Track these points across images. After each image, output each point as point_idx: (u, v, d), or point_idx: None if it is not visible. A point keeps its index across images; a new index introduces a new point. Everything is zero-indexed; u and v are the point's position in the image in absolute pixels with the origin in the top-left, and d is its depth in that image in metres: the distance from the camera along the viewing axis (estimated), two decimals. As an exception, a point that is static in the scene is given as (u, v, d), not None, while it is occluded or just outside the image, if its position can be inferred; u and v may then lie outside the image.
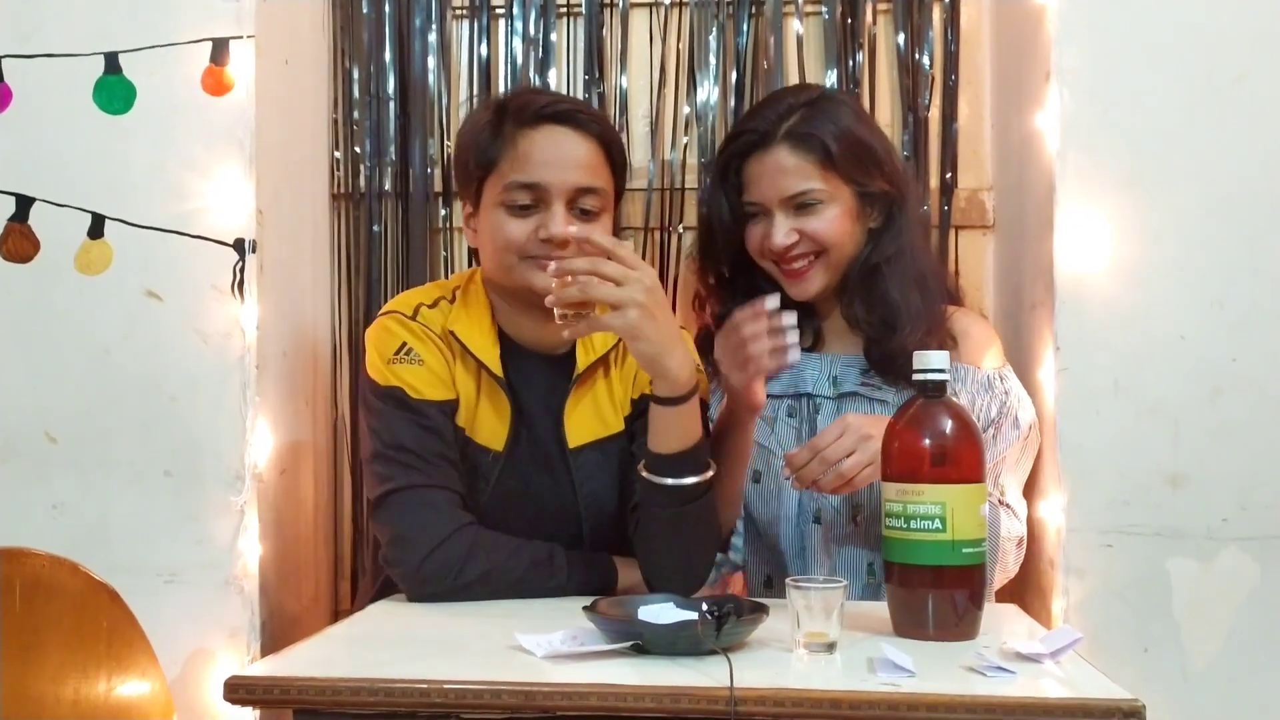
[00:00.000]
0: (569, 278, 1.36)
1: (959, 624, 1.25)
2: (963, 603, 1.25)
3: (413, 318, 1.56)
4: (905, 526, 1.25)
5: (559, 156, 1.52)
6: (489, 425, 1.55)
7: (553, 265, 1.39)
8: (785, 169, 1.62)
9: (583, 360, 1.57)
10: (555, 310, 1.38)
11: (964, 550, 1.24)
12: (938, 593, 1.25)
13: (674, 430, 1.44)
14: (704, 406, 1.55)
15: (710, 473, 1.47)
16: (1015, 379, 1.67)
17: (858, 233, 1.66)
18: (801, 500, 1.65)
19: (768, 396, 1.70)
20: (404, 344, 1.53)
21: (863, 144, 1.64)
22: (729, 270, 1.75)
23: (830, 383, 1.69)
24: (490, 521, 1.52)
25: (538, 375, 1.58)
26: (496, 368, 1.54)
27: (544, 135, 1.52)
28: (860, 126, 1.66)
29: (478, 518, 1.51)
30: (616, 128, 2.08)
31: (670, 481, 1.45)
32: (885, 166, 1.66)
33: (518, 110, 1.54)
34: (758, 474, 1.69)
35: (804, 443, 1.67)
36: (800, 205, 1.62)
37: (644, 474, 1.46)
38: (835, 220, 1.63)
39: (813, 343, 1.72)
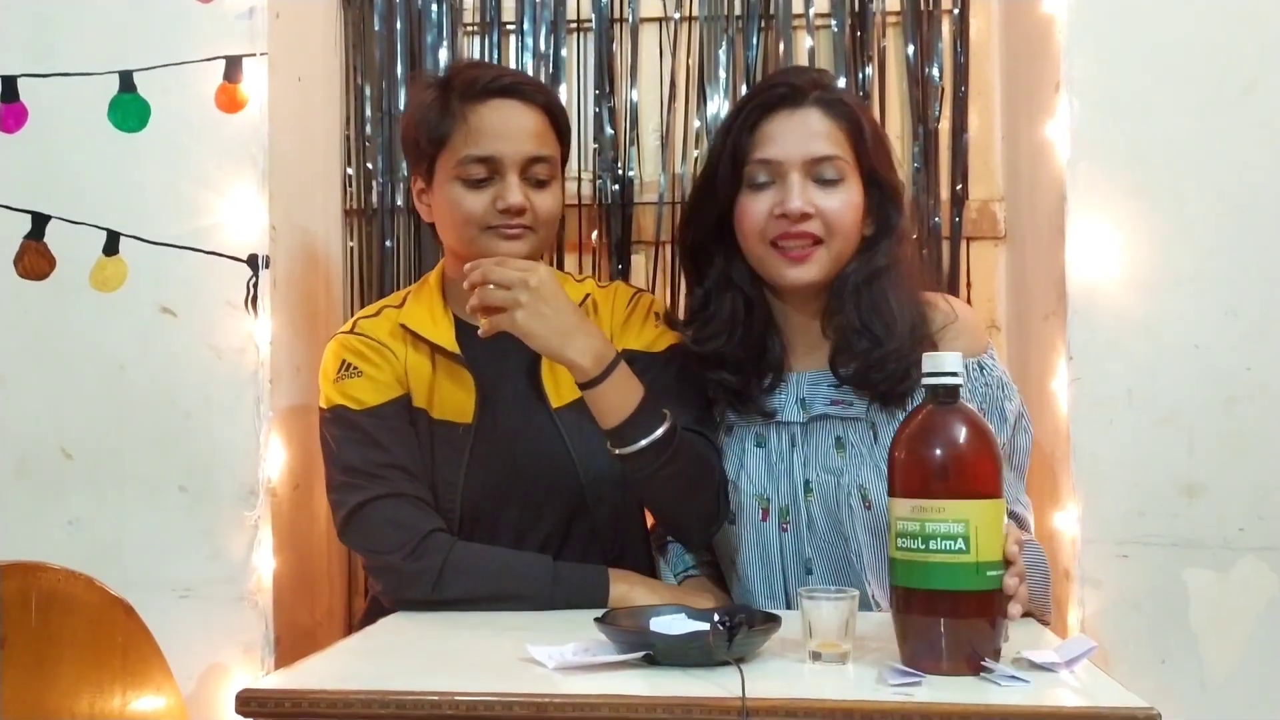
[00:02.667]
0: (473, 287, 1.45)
1: (979, 655, 1.12)
2: (985, 631, 1.13)
3: (351, 331, 1.63)
4: (922, 547, 1.12)
5: (509, 128, 1.57)
6: (454, 401, 1.59)
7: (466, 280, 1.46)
8: (814, 130, 1.54)
9: None
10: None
11: (988, 573, 1.12)
12: (959, 621, 1.12)
13: (605, 408, 1.47)
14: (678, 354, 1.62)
15: (662, 428, 1.46)
16: (997, 364, 1.55)
17: (857, 234, 1.56)
18: (786, 548, 1.58)
19: (732, 427, 1.63)
20: (344, 362, 1.60)
21: (881, 134, 1.60)
22: (703, 243, 1.63)
23: (799, 406, 1.60)
24: (474, 496, 1.57)
25: (501, 347, 1.56)
26: (449, 345, 1.59)
27: (493, 109, 1.57)
28: (875, 120, 1.63)
29: (460, 495, 1.56)
30: (627, 142, 2.10)
31: (642, 443, 1.46)
32: (893, 164, 1.60)
33: (465, 86, 1.58)
34: (733, 516, 1.60)
35: (775, 476, 1.59)
36: (820, 177, 1.53)
37: (613, 450, 1.49)
38: (851, 205, 1.54)
39: (778, 367, 1.61)
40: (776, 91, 1.56)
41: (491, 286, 1.43)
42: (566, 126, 1.66)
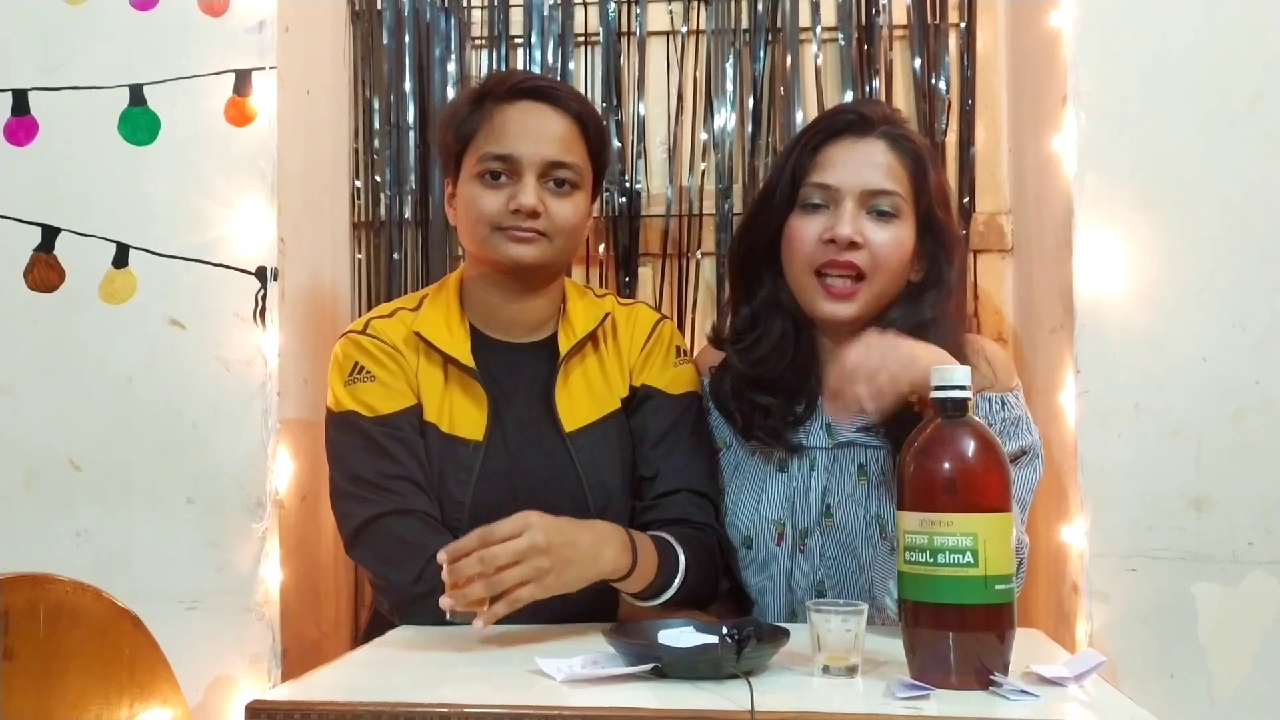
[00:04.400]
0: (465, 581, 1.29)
1: (987, 668, 1.12)
2: (993, 645, 1.12)
3: (363, 332, 1.60)
4: (931, 561, 1.12)
5: (532, 129, 1.55)
6: (466, 416, 1.56)
7: (445, 574, 1.29)
8: (876, 162, 1.52)
9: (565, 344, 1.59)
10: (453, 614, 1.31)
11: (996, 587, 1.12)
12: (967, 634, 1.12)
13: (635, 583, 1.45)
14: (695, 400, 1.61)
15: (682, 571, 1.48)
16: (1020, 403, 1.54)
17: (903, 276, 1.54)
18: (799, 570, 1.59)
19: (753, 453, 1.63)
20: (355, 364, 1.57)
21: (944, 181, 1.58)
22: (754, 261, 1.61)
23: (824, 431, 1.60)
24: (481, 515, 1.49)
25: (516, 361, 1.60)
26: (464, 358, 1.57)
27: (519, 109, 1.56)
28: (939, 167, 1.60)
29: (468, 512, 1.53)
30: (634, 154, 2.10)
31: (660, 600, 1.48)
32: (951, 212, 1.57)
33: (495, 86, 1.58)
34: (749, 540, 1.61)
35: (793, 501, 1.59)
36: (875, 210, 1.51)
37: (632, 600, 1.49)
38: (901, 243, 1.51)
39: (812, 399, 1.60)
40: (844, 118, 1.56)
41: (495, 574, 1.29)
42: (600, 140, 1.62)
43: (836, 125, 1.56)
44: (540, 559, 1.31)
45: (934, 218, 1.53)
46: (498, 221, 1.54)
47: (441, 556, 1.30)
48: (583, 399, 1.60)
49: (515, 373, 1.60)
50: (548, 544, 1.32)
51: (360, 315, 2.10)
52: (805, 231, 1.53)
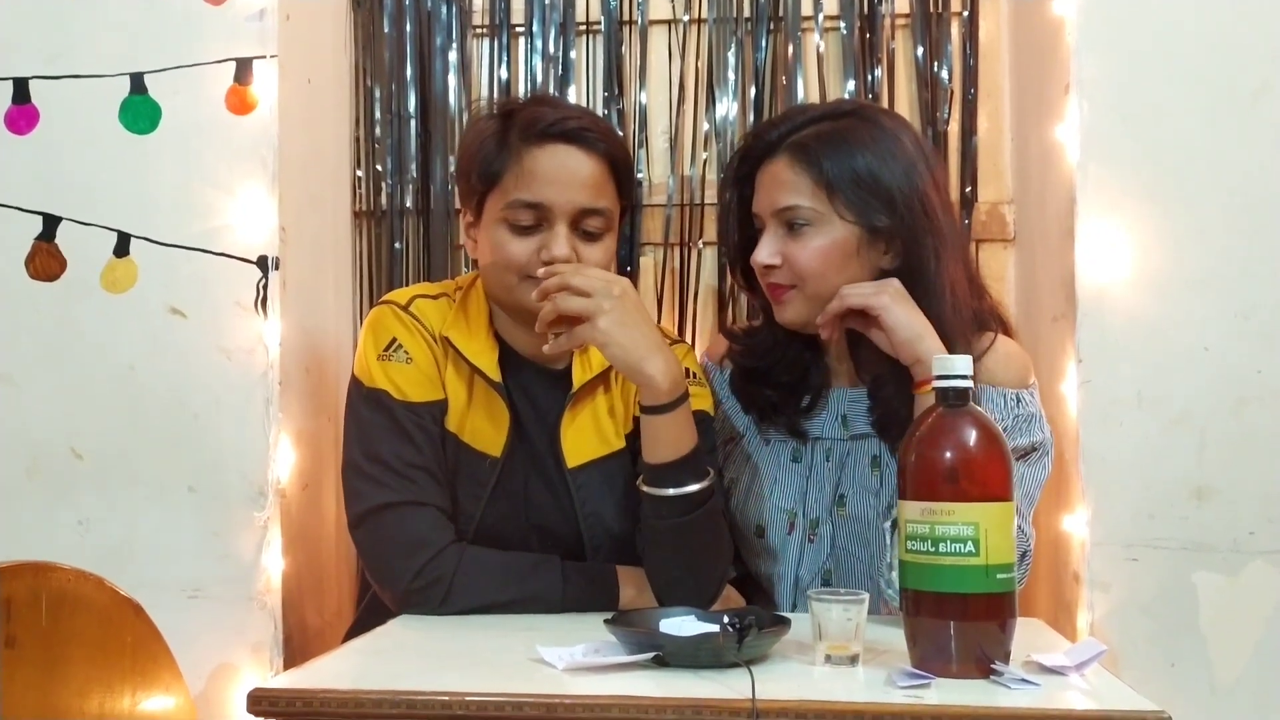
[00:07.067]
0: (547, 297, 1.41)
1: (988, 657, 1.12)
2: (994, 634, 1.13)
3: (405, 308, 1.56)
4: (932, 550, 1.13)
5: (564, 176, 1.50)
6: (484, 432, 1.53)
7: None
8: (780, 181, 1.53)
9: (579, 377, 1.56)
10: (546, 333, 1.44)
11: (998, 576, 1.12)
12: (968, 624, 1.12)
13: (666, 438, 1.43)
14: (704, 420, 1.53)
15: (709, 480, 1.45)
16: (1034, 401, 1.53)
17: (854, 269, 1.51)
18: (807, 559, 1.60)
19: (768, 443, 1.65)
20: (394, 339, 1.53)
21: (870, 172, 1.49)
22: (746, 275, 1.66)
23: (839, 423, 1.61)
24: (488, 531, 1.51)
25: (535, 386, 1.58)
26: (493, 373, 1.53)
27: (549, 154, 1.50)
28: (878, 153, 1.50)
29: (475, 526, 1.51)
30: (636, 144, 2.10)
31: (670, 491, 1.43)
32: (898, 201, 1.48)
33: (525, 125, 1.51)
34: (760, 529, 1.62)
35: (806, 491, 1.61)
36: (790, 223, 1.52)
37: (643, 487, 1.45)
38: (821, 249, 1.50)
39: (819, 384, 1.63)
40: (755, 144, 1.60)
41: (568, 294, 1.38)
42: (629, 177, 1.58)
43: (751, 153, 1.59)
44: (605, 300, 1.39)
45: (861, 211, 1.49)
46: (527, 270, 1.50)
47: (542, 272, 1.44)
48: (589, 435, 1.57)
49: (532, 395, 1.58)
50: (620, 297, 1.40)
51: (362, 304, 2.12)
52: (754, 256, 1.57)
